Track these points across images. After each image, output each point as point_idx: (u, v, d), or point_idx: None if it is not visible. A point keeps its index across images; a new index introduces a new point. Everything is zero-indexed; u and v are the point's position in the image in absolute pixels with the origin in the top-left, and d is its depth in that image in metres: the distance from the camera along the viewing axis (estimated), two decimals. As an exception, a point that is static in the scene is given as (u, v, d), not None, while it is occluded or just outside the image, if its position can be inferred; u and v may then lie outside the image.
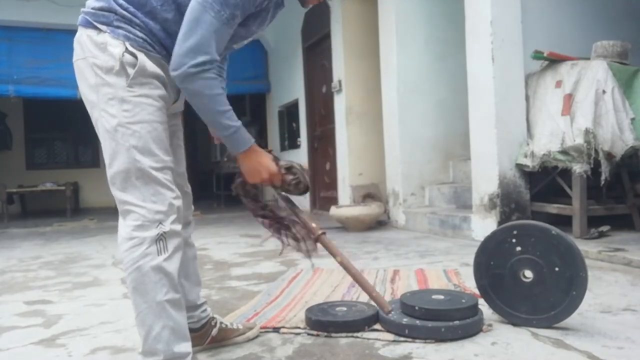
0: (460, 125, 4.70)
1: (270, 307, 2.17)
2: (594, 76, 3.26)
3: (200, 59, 1.26)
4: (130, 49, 1.30)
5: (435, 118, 4.98)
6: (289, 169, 1.52)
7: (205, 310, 1.69)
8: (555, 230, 1.74)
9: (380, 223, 5.05)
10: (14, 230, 6.42)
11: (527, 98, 3.70)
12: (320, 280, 2.65)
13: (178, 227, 1.35)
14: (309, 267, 3.04)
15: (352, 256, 3.45)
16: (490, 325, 1.79)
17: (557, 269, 1.71)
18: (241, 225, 5.85)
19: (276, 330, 1.86)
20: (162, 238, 1.30)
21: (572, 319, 1.76)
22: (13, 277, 3.26)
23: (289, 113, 7.85)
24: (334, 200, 6.20)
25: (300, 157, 7.32)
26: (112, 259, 3.86)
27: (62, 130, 10.01)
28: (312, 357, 1.61)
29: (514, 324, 1.79)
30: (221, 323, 1.73)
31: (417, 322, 1.71)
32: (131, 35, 1.31)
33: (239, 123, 1.37)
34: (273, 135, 8.61)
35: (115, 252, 4.20)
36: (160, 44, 1.35)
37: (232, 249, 4.09)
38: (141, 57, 1.31)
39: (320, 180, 6.87)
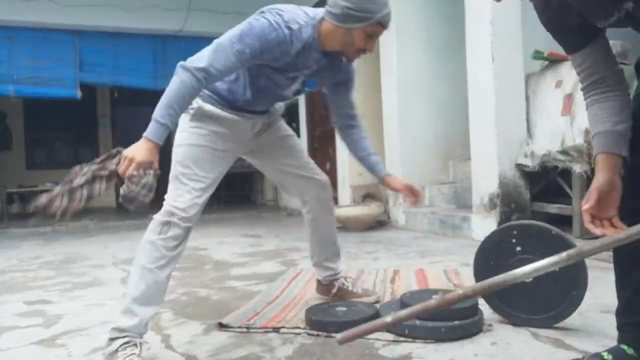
0: (460, 125, 4.70)
1: (270, 307, 2.17)
2: (594, 76, 3.25)
3: (196, 64, 1.58)
4: (199, 102, 1.79)
5: (435, 118, 4.97)
6: (135, 176, 1.52)
7: (334, 275, 2.19)
8: (555, 230, 1.74)
9: (380, 223, 5.05)
10: (14, 230, 6.42)
11: (527, 98, 3.70)
12: (320, 280, 2.65)
13: (185, 224, 1.66)
14: (309, 268, 3.04)
15: (352, 256, 3.45)
16: (490, 325, 1.79)
17: (557, 269, 1.71)
18: (241, 225, 5.85)
19: (276, 330, 1.86)
20: (167, 224, 1.64)
21: (572, 319, 1.76)
22: (13, 277, 3.26)
23: (289, 113, 7.84)
24: (334, 200, 6.19)
25: (300, 157, 7.32)
26: (112, 258, 3.86)
27: (62, 130, 10.01)
28: (312, 357, 1.61)
29: (514, 324, 1.79)
30: (343, 284, 2.20)
31: (417, 322, 1.71)
32: (202, 94, 1.79)
33: (157, 118, 1.54)
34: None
35: (115, 251, 4.20)
36: (222, 97, 1.82)
37: (232, 249, 4.09)
38: (201, 104, 1.79)
39: (320, 180, 6.87)
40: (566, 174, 3.39)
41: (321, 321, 1.82)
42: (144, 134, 1.52)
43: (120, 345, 1.54)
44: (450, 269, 2.80)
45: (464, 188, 4.41)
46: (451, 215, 4.17)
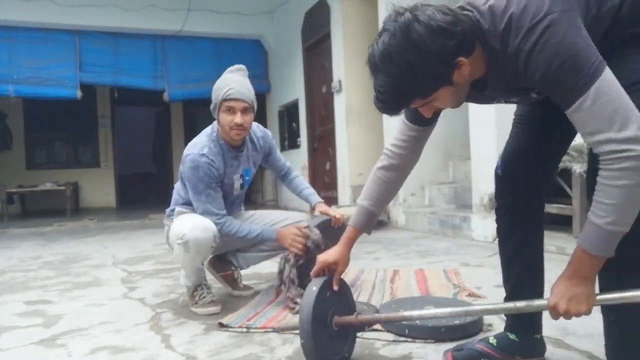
0: (460, 125, 4.70)
1: (270, 307, 2.17)
2: (594, 76, 3.25)
3: (214, 223, 2.14)
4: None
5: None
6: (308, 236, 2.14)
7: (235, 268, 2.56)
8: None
9: (380, 223, 5.05)
10: (14, 230, 6.41)
11: (527, 98, 3.69)
12: (320, 280, 2.65)
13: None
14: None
15: (353, 256, 3.44)
16: (490, 325, 1.79)
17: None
18: (241, 225, 5.83)
19: (276, 330, 1.86)
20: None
21: (572, 319, 1.75)
22: (13, 277, 3.26)
23: (289, 113, 7.85)
24: (334, 200, 6.20)
25: (300, 157, 7.32)
26: (112, 259, 3.86)
27: (62, 130, 10.00)
28: (312, 357, 1.61)
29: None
30: (237, 276, 2.55)
31: (417, 322, 1.71)
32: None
33: (258, 230, 2.20)
34: (273, 135, 8.59)
35: (115, 251, 4.20)
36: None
37: (232, 249, 4.08)
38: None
39: (320, 180, 6.87)
40: (566, 174, 3.39)
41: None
42: (272, 241, 2.26)
43: None
44: (450, 269, 2.80)
45: (464, 188, 4.41)
46: (451, 215, 4.17)
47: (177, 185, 2.36)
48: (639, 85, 1.09)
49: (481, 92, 1.29)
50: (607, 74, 1.02)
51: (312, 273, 1.49)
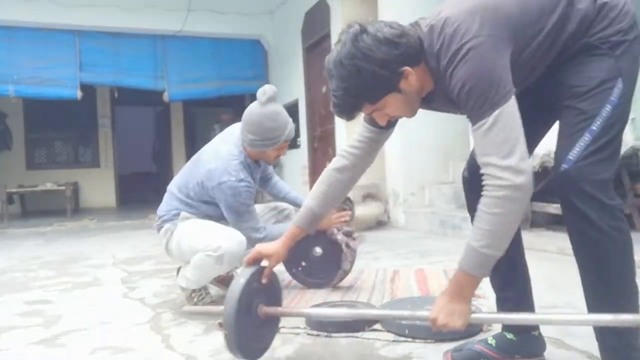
0: (460, 125, 4.70)
1: (270, 307, 2.17)
2: (593, 76, 3.25)
3: (257, 239, 2.17)
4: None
5: (435, 118, 4.92)
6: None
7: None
8: None
9: (380, 223, 5.05)
10: (14, 230, 6.41)
11: (527, 98, 3.69)
12: (320, 280, 2.64)
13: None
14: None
15: (352, 256, 3.44)
16: (490, 325, 1.79)
17: None
18: (241, 225, 5.83)
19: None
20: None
21: (572, 319, 1.75)
22: (13, 277, 3.26)
23: (289, 113, 7.72)
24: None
25: (300, 157, 7.32)
26: (112, 259, 3.86)
27: (62, 130, 10.00)
28: (312, 357, 1.61)
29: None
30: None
31: (417, 322, 1.71)
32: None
33: (264, 233, 2.20)
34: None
35: (115, 251, 4.20)
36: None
37: (232, 249, 4.08)
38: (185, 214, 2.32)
39: (320, 180, 6.86)
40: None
41: (321, 321, 1.82)
42: None
43: None
44: (450, 269, 2.80)
45: (464, 188, 4.40)
46: (451, 215, 4.17)
47: (175, 190, 2.31)
48: (596, 89, 1.16)
49: (429, 104, 1.36)
50: (510, 105, 1.11)
51: (245, 259, 1.53)
